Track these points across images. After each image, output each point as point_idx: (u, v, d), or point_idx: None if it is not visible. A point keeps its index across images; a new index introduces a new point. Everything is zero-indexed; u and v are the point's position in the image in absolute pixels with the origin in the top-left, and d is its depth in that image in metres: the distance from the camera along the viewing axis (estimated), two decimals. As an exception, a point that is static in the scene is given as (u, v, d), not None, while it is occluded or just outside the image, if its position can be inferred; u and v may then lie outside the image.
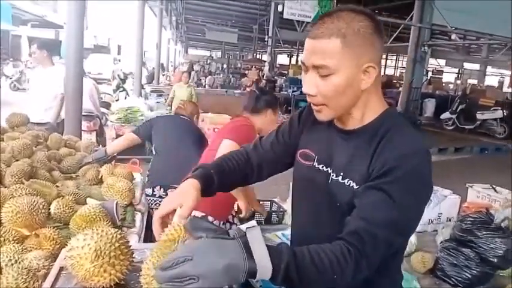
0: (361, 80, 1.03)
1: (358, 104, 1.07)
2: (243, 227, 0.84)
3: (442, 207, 2.77)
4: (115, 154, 3.10)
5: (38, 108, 4.19)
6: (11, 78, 15.99)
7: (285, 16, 9.80)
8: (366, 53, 1.01)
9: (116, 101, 9.22)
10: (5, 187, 1.82)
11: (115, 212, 1.78)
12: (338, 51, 0.99)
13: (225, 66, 25.00)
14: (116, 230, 1.00)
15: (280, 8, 10.26)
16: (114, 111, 6.33)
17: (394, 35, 12.48)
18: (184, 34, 25.35)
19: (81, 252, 0.91)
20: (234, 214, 2.55)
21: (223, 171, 1.22)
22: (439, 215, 2.78)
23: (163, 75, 16.25)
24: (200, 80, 16.68)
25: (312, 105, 1.10)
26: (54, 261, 1.15)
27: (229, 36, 18.04)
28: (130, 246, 1.02)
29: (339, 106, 1.06)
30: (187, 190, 1.09)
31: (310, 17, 9.51)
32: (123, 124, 5.92)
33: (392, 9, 15.68)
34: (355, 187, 1.05)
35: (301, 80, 9.08)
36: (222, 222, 2.42)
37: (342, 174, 1.08)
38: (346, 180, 1.07)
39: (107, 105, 8.17)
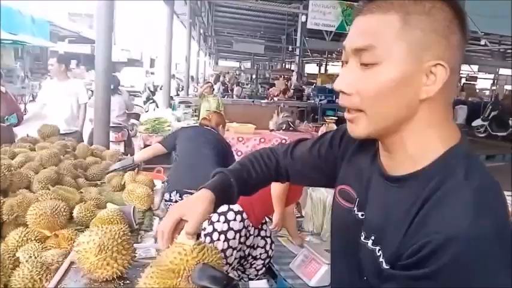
0: (421, 83, 0.70)
1: (413, 126, 0.73)
2: (252, 284, 0.86)
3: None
4: (142, 162, 3.25)
5: (60, 119, 4.42)
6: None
7: (309, 26, 9.87)
8: (434, 46, 0.69)
9: (146, 112, 9.52)
10: (33, 192, 1.96)
11: (132, 216, 1.89)
12: (394, 31, 0.69)
13: (254, 76, 25.27)
14: (120, 227, 1.09)
15: (303, 19, 10.34)
16: (142, 122, 6.55)
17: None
18: (213, 46, 25.83)
19: (86, 247, 1.01)
20: (265, 221, 2.65)
21: (246, 178, 1.08)
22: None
23: (193, 86, 16.60)
24: (228, 90, 16.93)
25: (345, 113, 0.78)
26: (69, 258, 1.26)
27: (257, 47, 18.25)
28: (133, 242, 1.10)
29: (383, 116, 0.73)
30: (195, 202, 0.95)
31: (334, 26, 9.53)
32: (150, 134, 6.11)
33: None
34: (384, 264, 0.74)
35: (329, 89, 9.13)
36: (251, 225, 2.50)
37: (373, 237, 0.79)
38: (376, 249, 0.77)
39: (137, 117, 8.44)
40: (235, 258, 2.47)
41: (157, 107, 10.10)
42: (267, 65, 34.10)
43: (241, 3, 12.13)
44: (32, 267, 1.08)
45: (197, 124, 3.74)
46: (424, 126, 0.73)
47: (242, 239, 2.46)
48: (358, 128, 0.77)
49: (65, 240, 1.46)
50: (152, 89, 11.47)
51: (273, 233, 2.73)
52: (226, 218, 2.41)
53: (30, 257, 1.25)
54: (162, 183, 2.98)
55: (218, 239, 2.39)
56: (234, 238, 2.41)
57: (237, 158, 6.73)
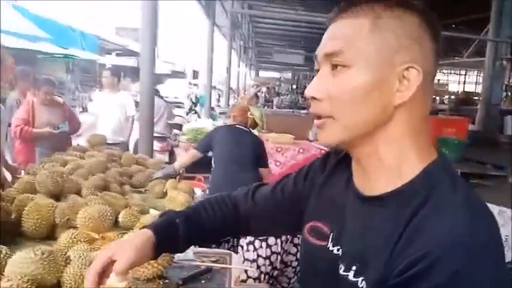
0: (394, 87, 0.68)
1: (388, 135, 0.70)
2: None
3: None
4: (182, 170, 3.38)
5: (108, 130, 4.62)
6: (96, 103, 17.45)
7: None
8: (406, 49, 0.67)
9: (188, 122, 9.76)
10: (82, 197, 2.10)
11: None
12: (364, 34, 0.68)
13: (293, 87, 25.30)
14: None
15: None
16: (184, 132, 6.74)
17: (470, 49, 11.96)
18: (253, 57, 26.13)
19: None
20: None
21: (196, 220, 0.95)
22: (506, 237, 2.66)
23: (234, 97, 16.84)
24: (268, 101, 17.04)
25: (315, 120, 0.74)
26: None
27: (296, 57, 18.32)
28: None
29: (353, 123, 0.69)
30: (128, 241, 0.85)
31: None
32: (192, 144, 6.28)
33: (469, 22, 15.02)
34: None
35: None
36: None
37: (354, 268, 0.72)
38: (359, 280, 0.71)
39: (179, 127, 8.68)
40: (274, 267, 2.51)
41: (199, 117, 10.35)
42: (307, 75, 34.05)
43: (281, 14, 12.23)
44: (81, 265, 1.18)
45: (231, 123, 3.74)
46: (399, 135, 0.70)
47: (283, 245, 2.50)
48: (328, 135, 0.73)
49: (110, 241, 1.56)
50: (194, 100, 11.76)
51: None
52: None
53: (80, 256, 1.35)
54: (202, 191, 3.07)
55: (261, 246, 2.45)
56: (275, 244, 2.45)
57: (275, 168, 6.80)
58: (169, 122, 6.70)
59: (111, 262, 0.80)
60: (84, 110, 13.01)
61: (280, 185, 0.99)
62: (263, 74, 37.15)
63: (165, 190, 2.66)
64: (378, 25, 0.68)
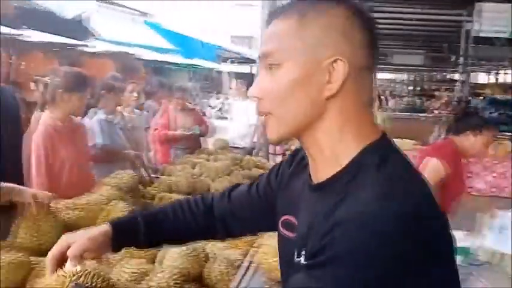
0: (323, 81, 0.70)
1: (325, 126, 0.73)
2: None
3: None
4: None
5: (236, 135, 4.88)
6: (213, 108, 18.54)
7: (474, 34, 8.99)
8: (332, 43, 0.70)
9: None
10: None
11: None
12: (291, 33, 0.71)
13: (410, 88, 24.01)
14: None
15: (469, 26, 9.50)
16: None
17: None
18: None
19: (266, 250, 1.15)
20: None
21: (160, 221, 0.99)
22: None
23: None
24: (384, 104, 16.40)
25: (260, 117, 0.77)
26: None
27: (415, 58, 17.33)
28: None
29: (289, 117, 0.73)
30: (85, 231, 0.93)
31: (505, 32, 8.51)
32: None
33: None
34: None
35: (501, 100, 8.10)
36: None
37: (303, 252, 0.74)
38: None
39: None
40: None
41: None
42: (425, 75, 32.07)
43: (399, 14, 11.72)
44: (220, 262, 1.27)
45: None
46: (336, 125, 0.72)
47: None
48: (271, 131, 0.75)
49: (241, 242, 1.65)
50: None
51: None
52: None
53: (214, 254, 1.46)
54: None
55: None
56: None
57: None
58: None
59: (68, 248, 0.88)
60: (203, 115, 13.96)
61: (255, 183, 1.00)
62: (380, 76, 35.89)
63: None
64: (303, 23, 0.71)
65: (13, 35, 5.68)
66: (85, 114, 2.84)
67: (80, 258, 0.87)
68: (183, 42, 14.37)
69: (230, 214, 1.00)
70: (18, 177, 2.39)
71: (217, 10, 24.43)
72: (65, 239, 0.91)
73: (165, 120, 4.34)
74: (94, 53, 9.21)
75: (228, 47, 22.18)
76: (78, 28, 9.15)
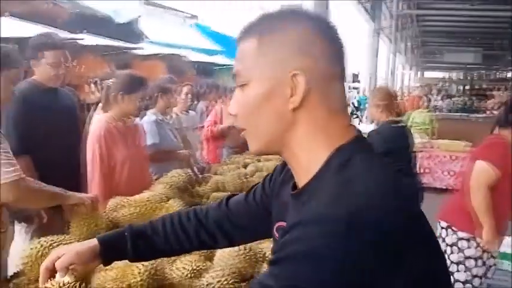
0: (286, 94, 0.73)
1: (297, 137, 0.75)
2: None
3: None
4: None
5: None
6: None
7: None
8: (290, 58, 0.74)
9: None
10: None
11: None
12: (253, 52, 0.75)
13: (462, 87, 23.02)
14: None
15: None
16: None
17: None
18: (419, 58, 24.58)
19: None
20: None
21: (148, 236, 1.04)
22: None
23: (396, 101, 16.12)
24: (436, 104, 15.83)
25: None
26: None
27: (469, 56, 16.60)
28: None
29: (261, 131, 0.77)
30: (74, 246, 1.03)
31: None
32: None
33: None
34: None
35: None
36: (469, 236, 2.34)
37: None
38: None
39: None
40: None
41: (361, 122, 10.19)
42: (481, 74, 30.68)
43: (449, 11, 11.27)
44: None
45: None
46: (306, 135, 0.75)
47: (480, 263, 2.31)
48: (250, 146, 0.81)
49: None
50: (356, 105, 11.63)
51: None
52: (458, 248, 2.30)
53: (265, 254, 1.45)
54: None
55: (457, 270, 2.30)
56: (475, 266, 2.28)
57: (446, 178, 6.28)
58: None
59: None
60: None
61: (252, 191, 1.04)
62: (429, 74, 34.75)
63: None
64: (263, 42, 0.75)
65: (69, 39, 5.96)
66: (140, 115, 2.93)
67: (67, 270, 0.97)
68: (230, 44, 14.54)
69: (228, 222, 1.04)
70: (78, 177, 2.52)
71: (263, 11, 24.50)
72: (56, 251, 1.01)
73: (215, 119, 4.42)
74: (145, 55, 9.50)
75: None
76: (130, 32, 9.48)
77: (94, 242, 1.02)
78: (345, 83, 0.79)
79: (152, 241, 1.04)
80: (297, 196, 0.77)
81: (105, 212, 1.87)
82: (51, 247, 1.39)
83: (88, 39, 7.55)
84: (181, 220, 1.06)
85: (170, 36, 10.75)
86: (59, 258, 0.98)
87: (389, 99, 3.14)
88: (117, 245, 1.03)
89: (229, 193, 1.20)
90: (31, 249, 1.40)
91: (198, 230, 1.04)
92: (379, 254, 0.61)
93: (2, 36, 5.92)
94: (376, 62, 9.69)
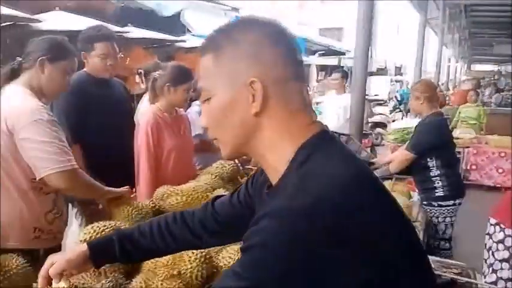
0: (248, 101, 0.78)
1: (263, 139, 0.80)
2: None
3: None
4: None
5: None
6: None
7: None
8: (246, 68, 0.78)
9: (393, 121, 9.48)
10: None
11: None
12: (211, 68, 0.81)
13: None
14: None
15: None
16: (391, 132, 6.56)
17: None
18: (467, 50, 23.57)
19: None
20: None
21: (135, 239, 1.10)
22: None
23: (444, 95, 15.57)
24: (484, 98, 15.16)
25: None
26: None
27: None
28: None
29: (230, 139, 0.83)
30: (66, 252, 1.10)
31: None
32: (399, 144, 6.06)
33: None
34: None
35: None
36: None
37: None
38: None
39: (383, 126, 8.51)
40: None
41: (405, 116, 9.92)
42: (535, 67, 29.04)
43: (504, 1, 10.69)
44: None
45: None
46: (271, 136, 0.79)
47: None
48: (222, 153, 0.86)
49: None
50: (399, 98, 11.33)
51: None
52: (505, 245, 2.22)
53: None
54: (419, 195, 2.95)
55: (501, 268, 2.22)
56: None
57: (496, 175, 6.01)
58: (369, 119, 6.61)
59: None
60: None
61: (236, 192, 1.08)
62: (477, 67, 33.32)
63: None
64: (218, 56, 0.80)
65: (117, 32, 6.14)
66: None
67: (60, 276, 1.05)
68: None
69: (215, 223, 1.08)
70: (128, 166, 2.60)
71: (306, 3, 24.25)
72: (50, 259, 1.08)
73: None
74: (188, 48, 9.62)
75: (316, 39, 21.95)
76: (174, 25, 9.64)
77: (84, 247, 1.09)
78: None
79: (139, 243, 1.10)
80: (268, 194, 0.84)
81: (152, 200, 1.93)
82: (103, 232, 1.46)
83: (133, 32, 7.74)
84: (168, 222, 1.12)
85: (213, 29, 10.81)
86: (52, 265, 1.06)
87: (430, 91, 3.10)
88: (106, 248, 1.10)
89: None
90: (84, 233, 1.46)
91: (183, 231, 1.10)
92: (331, 243, 0.65)
93: (53, 29, 6.17)
94: (422, 54, 9.38)
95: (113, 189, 1.83)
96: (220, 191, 1.83)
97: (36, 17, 6.38)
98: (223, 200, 1.11)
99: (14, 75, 1.78)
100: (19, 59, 1.80)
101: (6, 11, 5.83)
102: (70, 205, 2.42)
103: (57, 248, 1.86)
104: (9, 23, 6.32)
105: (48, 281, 1.06)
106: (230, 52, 0.79)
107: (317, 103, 7.88)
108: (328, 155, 0.76)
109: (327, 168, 0.73)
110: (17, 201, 1.73)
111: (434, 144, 2.96)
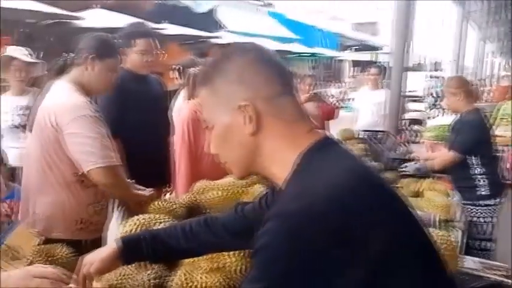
0: (243, 124, 0.83)
1: (266, 155, 0.85)
2: None
3: None
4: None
5: (365, 125, 4.69)
6: (333, 98, 18.28)
7: None
8: (235, 93, 0.84)
9: (429, 118, 9.23)
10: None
11: (433, 224, 1.92)
12: (208, 100, 0.88)
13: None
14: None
15: None
16: (428, 129, 6.39)
17: None
18: (509, 45, 22.66)
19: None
20: None
21: (164, 240, 1.15)
22: None
23: (483, 91, 15.05)
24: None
25: None
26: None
27: None
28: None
29: (236, 160, 0.89)
30: (99, 252, 1.14)
31: None
32: (436, 142, 5.90)
33: None
34: None
35: None
36: None
37: None
38: None
39: (419, 122, 8.29)
40: None
41: (443, 113, 9.63)
42: None
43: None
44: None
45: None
46: (272, 150, 0.84)
47: None
48: (233, 175, 0.94)
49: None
50: (437, 95, 11.02)
51: None
52: None
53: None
54: (457, 194, 2.86)
55: None
56: None
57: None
58: (405, 116, 6.45)
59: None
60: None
61: (264, 196, 1.13)
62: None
63: (418, 189, 2.59)
64: (210, 88, 0.86)
65: (153, 29, 6.25)
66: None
67: (95, 275, 1.13)
68: (304, 32, 14.39)
69: (243, 225, 1.12)
70: (166, 162, 2.64)
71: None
72: (83, 261, 1.14)
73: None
74: (222, 44, 9.67)
75: (350, 34, 21.63)
76: (209, 21, 9.72)
77: (113, 246, 1.15)
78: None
79: (167, 245, 1.15)
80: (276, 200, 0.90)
81: (192, 194, 1.95)
82: (143, 226, 1.49)
83: (169, 29, 7.85)
84: (192, 225, 1.18)
85: (246, 25, 10.86)
86: (79, 268, 1.13)
87: (465, 85, 3.05)
88: (134, 248, 1.15)
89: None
90: (128, 226, 1.50)
91: (206, 234, 1.16)
92: (332, 243, 0.68)
93: (93, 26, 6.32)
94: (462, 49, 9.09)
95: (141, 192, 1.85)
96: (257, 186, 1.83)
97: (77, 14, 6.57)
98: (253, 204, 1.17)
99: (61, 71, 1.83)
100: (66, 55, 1.86)
101: (48, 9, 6.03)
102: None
103: (99, 240, 1.92)
104: (51, 21, 6.55)
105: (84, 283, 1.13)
106: (219, 83, 0.86)
107: (349, 99, 7.78)
108: (330, 158, 0.80)
109: (328, 170, 0.76)
110: (60, 193, 1.79)
111: (478, 141, 2.90)
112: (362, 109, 4.97)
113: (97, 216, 1.89)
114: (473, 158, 2.89)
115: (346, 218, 0.69)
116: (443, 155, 3.11)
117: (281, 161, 0.82)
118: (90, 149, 1.68)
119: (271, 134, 0.83)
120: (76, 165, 1.73)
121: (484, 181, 2.87)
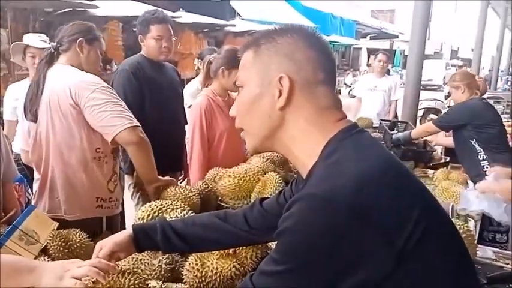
0: (274, 95, 0.84)
1: (288, 132, 0.85)
2: None
3: None
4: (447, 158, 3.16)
5: (372, 113, 4.61)
6: (349, 86, 18.12)
7: None
8: (277, 63, 0.85)
9: (448, 107, 9.09)
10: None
11: (449, 214, 1.90)
12: (249, 61, 0.89)
13: None
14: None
15: None
16: (445, 118, 6.31)
17: None
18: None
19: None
20: None
21: (178, 231, 1.15)
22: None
23: (503, 80, 14.73)
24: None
25: None
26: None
27: None
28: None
29: (256, 129, 0.89)
30: (114, 237, 1.15)
31: None
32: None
33: None
34: None
35: None
36: None
37: None
38: None
39: (437, 112, 8.17)
40: None
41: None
42: None
43: None
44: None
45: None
46: (297, 131, 0.84)
47: None
48: (247, 144, 0.92)
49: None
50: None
51: None
52: None
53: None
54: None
55: None
56: None
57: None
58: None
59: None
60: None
61: (283, 191, 1.14)
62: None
63: (435, 178, 2.56)
64: (257, 51, 0.88)
65: (170, 17, 6.26)
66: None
67: (109, 258, 1.10)
68: (321, 19, 14.23)
69: (262, 219, 1.13)
70: (180, 148, 2.66)
71: None
72: (99, 245, 1.14)
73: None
74: (237, 32, 9.64)
75: (367, 22, 21.31)
76: (224, 9, 9.68)
77: (129, 231, 1.17)
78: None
79: (181, 236, 1.15)
80: (302, 186, 0.87)
81: (205, 181, 1.97)
82: (160, 211, 1.51)
83: (185, 17, 7.85)
84: (210, 216, 1.19)
85: (262, 13, 10.79)
86: (101, 248, 1.13)
87: (469, 78, 3.07)
88: (148, 235, 1.16)
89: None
90: (143, 211, 1.52)
91: (224, 225, 1.16)
92: (357, 226, 0.68)
93: (108, 14, 6.35)
94: (482, 37, 8.88)
95: (161, 177, 1.87)
96: (271, 174, 1.84)
97: (93, 3, 6.60)
98: (271, 199, 1.17)
99: (52, 59, 1.89)
100: (53, 44, 1.91)
101: (65, -3, 6.07)
102: (126, 186, 2.52)
103: (117, 217, 1.97)
104: (67, 9, 6.60)
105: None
106: (267, 49, 0.87)
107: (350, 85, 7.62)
108: (356, 146, 0.80)
109: (358, 156, 0.77)
110: (78, 173, 1.82)
111: (465, 122, 2.90)
112: (365, 96, 4.86)
113: (115, 192, 1.94)
114: (474, 142, 2.90)
115: (375, 202, 0.69)
116: (424, 125, 3.23)
117: (304, 144, 0.83)
118: (115, 114, 1.72)
119: (300, 114, 0.84)
120: (104, 135, 1.76)
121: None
